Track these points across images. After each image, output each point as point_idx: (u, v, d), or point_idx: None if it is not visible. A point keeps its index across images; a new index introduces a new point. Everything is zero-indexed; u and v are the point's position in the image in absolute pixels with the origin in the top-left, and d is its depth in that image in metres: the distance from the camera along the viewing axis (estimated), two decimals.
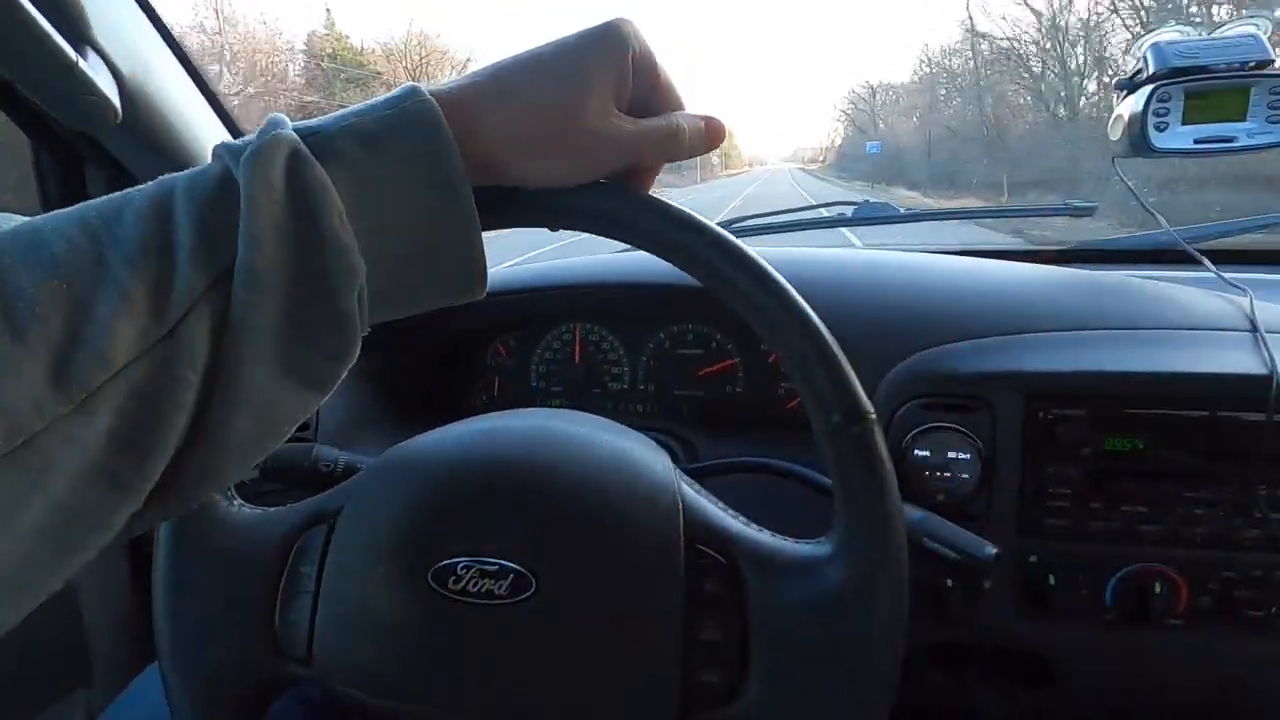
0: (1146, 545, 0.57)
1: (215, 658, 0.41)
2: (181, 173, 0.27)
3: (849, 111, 55.32)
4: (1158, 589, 0.57)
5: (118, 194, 0.26)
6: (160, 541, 0.41)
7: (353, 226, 0.27)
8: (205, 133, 0.64)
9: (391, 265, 0.29)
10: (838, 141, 65.83)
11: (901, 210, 1.08)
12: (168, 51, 0.60)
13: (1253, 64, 0.65)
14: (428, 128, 0.29)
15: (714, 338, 0.80)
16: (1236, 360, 0.54)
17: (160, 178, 0.27)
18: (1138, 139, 0.68)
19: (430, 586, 0.39)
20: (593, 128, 0.32)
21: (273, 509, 0.43)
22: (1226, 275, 0.67)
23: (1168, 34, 0.69)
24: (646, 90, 0.34)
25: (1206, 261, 0.68)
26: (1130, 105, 0.69)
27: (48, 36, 0.44)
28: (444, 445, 0.44)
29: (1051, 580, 0.58)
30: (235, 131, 0.68)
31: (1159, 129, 0.67)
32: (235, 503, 0.43)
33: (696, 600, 0.39)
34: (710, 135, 0.36)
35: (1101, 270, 0.81)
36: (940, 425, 0.57)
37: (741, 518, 0.42)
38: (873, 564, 0.36)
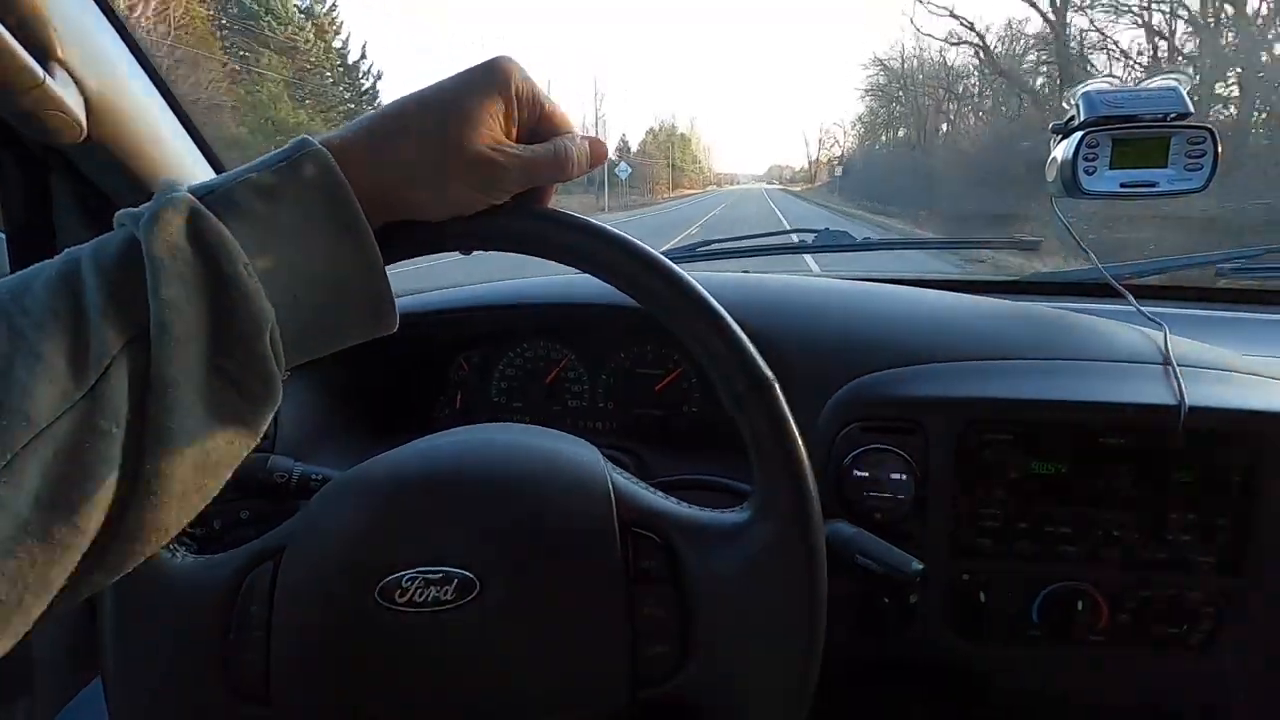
0: (1069, 564, 0.60)
1: (169, 712, 0.41)
2: (85, 244, 0.28)
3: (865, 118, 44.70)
4: (1080, 606, 0.60)
5: (23, 270, 0.28)
6: (103, 602, 0.41)
7: (259, 274, 0.29)
8: (173, 148, 0.65)
9: (301, 308, 0.30)
10: (837, 153, 62.30)
11: (859, 239, 1.12)
12: (138, 67, 0.61)
13: (1173, 115, 0.70)
14: (322, 174, 0.31)
15: (673, 357, 0.82)
16: (1150, 391, 0.58)
17: (65, 250, 0.28)
18: (1069, 181, 0.72)
19: (378, 604, 0.40)
20: (481, 156, 0.34)
21: (215, 555, 0.43)
22: (1146, 309, 0.71)
23: (1098, 84, 0.73)
24: (534, 120, 0.37)
25: (1129, 296, 0.72)
26: (1063, 149, 0.73)
27: (15, 55, 0.45)
28: (380, 470, 0.45)
29: (982, 597, 0.61)
30: (204, 146, 0.69)
31: (1088, 172, 0.71)
32: (178, 554, 0.43)
33: (636, 579, 0.40)
34: (594, 155, 0.39)
35: (1035, 301, 0.85)
36: (878, 447, 0.60)
37: (672, 499, 0.44)
38: (788, 520, 0.39)
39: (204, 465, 0.28)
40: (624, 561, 0.40)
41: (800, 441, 0.38)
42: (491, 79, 0.35)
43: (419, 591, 0.40)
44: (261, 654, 0.40)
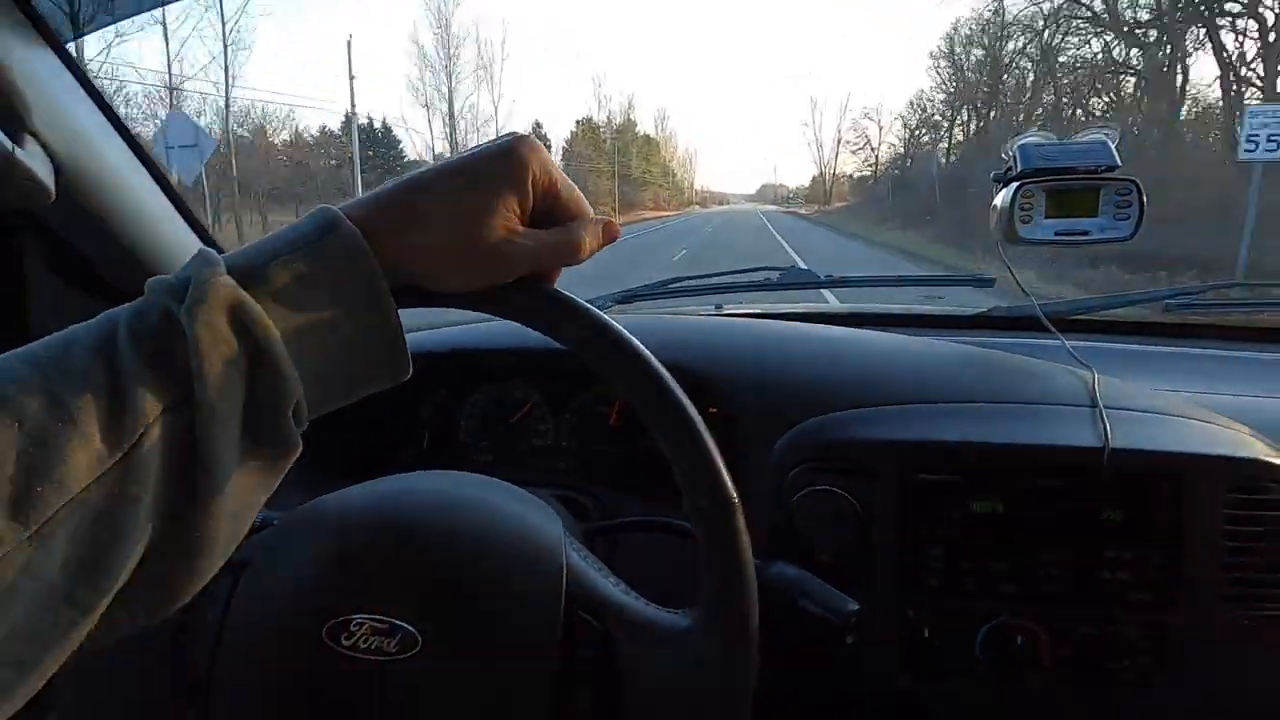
0: (1010, 601, 0.63)
1: (114, 696, 0.43)
2: (122, 309, 0.30)
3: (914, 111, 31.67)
4: (1019, 642, 0.62)
5: (62, 333, 0.29)
6: None
7: (290, 351, 0.31)
8: (147, 207, 0.67)
9: (326, 377, 0.33)
10: (866, 158, 44.72)
11: (821, 277, 1.16)
12: (109, 129, 0.64)
13: (1103, 168, 0.74)
14: (353, 258, 0.33)
15: None
16: (1077, 433, 0.61)
17: (104, 314, 0.30)
18: (1007, 228, 0.76)
19: (325, 643, 0.42)
20: (495, 244, 0.36)
21: None
22: (1075, 345, 0.75)
23: (1033, 138, 0.78)
24: (548, 202, 0.38)
25: (1059, 335, 0.76)
26: (1002, 198, 0.77)
27: None
28: (348, 506, 0.47)
29: (926, 634, 0.63)
30: (179, 205, 0.71)
31: (1024, 220, 0.75)
32: None
33: (571, 666, 0.42)
34: (607, 236, 0.40)
35: (978, 338, 0.89)
36: (825, 488, 0.63)
37: (623, 585, 0.45)
38: (727, 643, 0.40)
39: (236, 519, 0.31)
40: (562, 648, 0.42)
41: (751, 565, 0.40)
42: (510, 169, 0.36)
43: (365, 639, 0.42)
44: (207, 657, 0.42)
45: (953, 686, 0.65)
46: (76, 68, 0.61)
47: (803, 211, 58.07)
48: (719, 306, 1.19)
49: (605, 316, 0.40)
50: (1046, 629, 0.62)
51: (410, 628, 0.42)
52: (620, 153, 60.34)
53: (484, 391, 0.87)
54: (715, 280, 1.19)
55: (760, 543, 0.64)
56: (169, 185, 0.70)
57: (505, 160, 0.36)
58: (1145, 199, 0.73)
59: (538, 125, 48.39)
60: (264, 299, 0.30)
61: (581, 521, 0.69)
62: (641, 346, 0.39)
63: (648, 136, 70.70)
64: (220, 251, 0.32)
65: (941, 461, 0.62)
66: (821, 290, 1.24)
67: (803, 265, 1.23)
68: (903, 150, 34.50)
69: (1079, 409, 0.64)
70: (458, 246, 0.35)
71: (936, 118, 29.97)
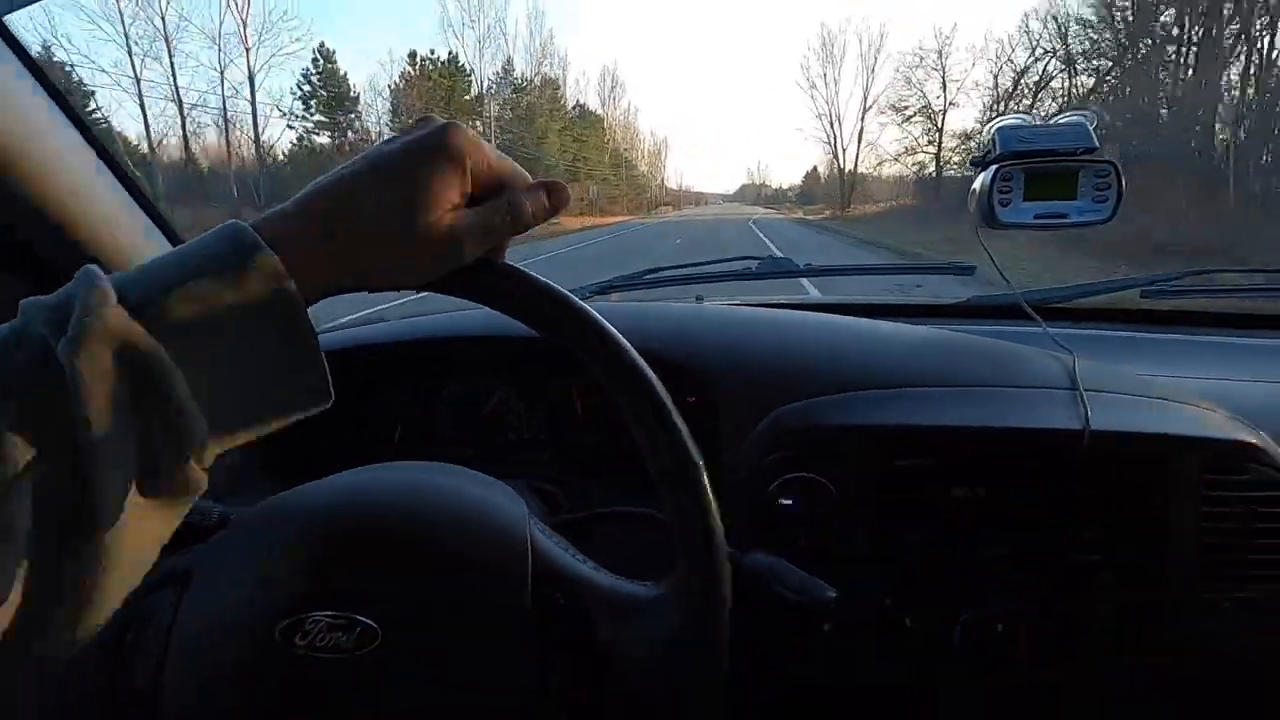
0: (989, 586, 0.62)
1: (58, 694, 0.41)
2: None
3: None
4: (1000, 628, 0.61)
5: None
6: None
7: (193, 389, 0.28)
8: (101, 198, 0.64)
9: (238, 411, 0.30)
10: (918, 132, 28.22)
11: (801, 265, 1.15)
12: (58, 113, 0.61)
13: (1081, 150, 0.73)
14: (271, 284, 0.29)
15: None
16: (1057, 416, 0.60)
17: None
18: (986, 213, 0.75)
19: (279, 642, 0.40)
20: (441, 234, 0.34)
21: None
22: (1057, 331, 0.74)
23: (1011, 120, 0.77)
24: (485, 181, 0.37)
25: (1040, 321, 0.75)
26: (980, 182, 0.76)
27: None
28: (303, 501, 0.45)
29: (908, 622, 0.62)
30: (137, 194, 0.68)
31: (1003, 204, 0.74)
32: None
33: (545, 643, 0.41)
34: (553, 200, 0.39)
35: (958, 325, 0.88)
36: (802, 475, 0.61)
37: (591, 563, 0.44)
38: (699, 611, 0.39)
39: (132, 565, 0.29)
40: (534, 627, 0.41)
41: (720, 529, 0.38)
42: (443, 150, 0.34)
43: (321, 635, 0.40)
44: (155, 660, 0.40)
45: (931, 673, 0.64)
46: (25, 55, 0.58)
47: (802, 215, 41.93)
48: (699, 299, 1.18)
49: (556, 285, 0.39)
50: (1026, 614, 0.62)
51: (370, 621, 0.40)
52: (524, 123, 39.29)
53: (457, 383, 0.85)
54: (695, 270, 1.18)
55: (738, 530, 0.63)
56: (127, 175, 0.67)
57: (438, 142, 0.35)
58: (1124, 181, 0.72)
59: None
60: (163, 331, 0.27)
61: (555, 513, 0.67)
62: (594, 312, 0.38)
63: (584, 110, 50.77)
64: (176, 240, 0.30)
65: (920, 447, 0.61)
66: (802, 282, 1.23)
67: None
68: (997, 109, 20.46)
69: (1059, 392, 0.63)
70: (400, 242, 0.33)
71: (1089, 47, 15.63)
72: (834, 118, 39.76)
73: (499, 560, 0.42)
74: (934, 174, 27.81)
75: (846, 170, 38.69)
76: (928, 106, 28.55)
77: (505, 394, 0.84)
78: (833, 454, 0.61)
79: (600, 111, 54.93)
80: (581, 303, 0.39)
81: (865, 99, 37.41)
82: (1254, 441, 0.59)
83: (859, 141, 38.25)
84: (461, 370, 0.85)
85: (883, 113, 37.60)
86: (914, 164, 29.60)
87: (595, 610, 0.41)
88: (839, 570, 0.59)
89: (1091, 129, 0.74)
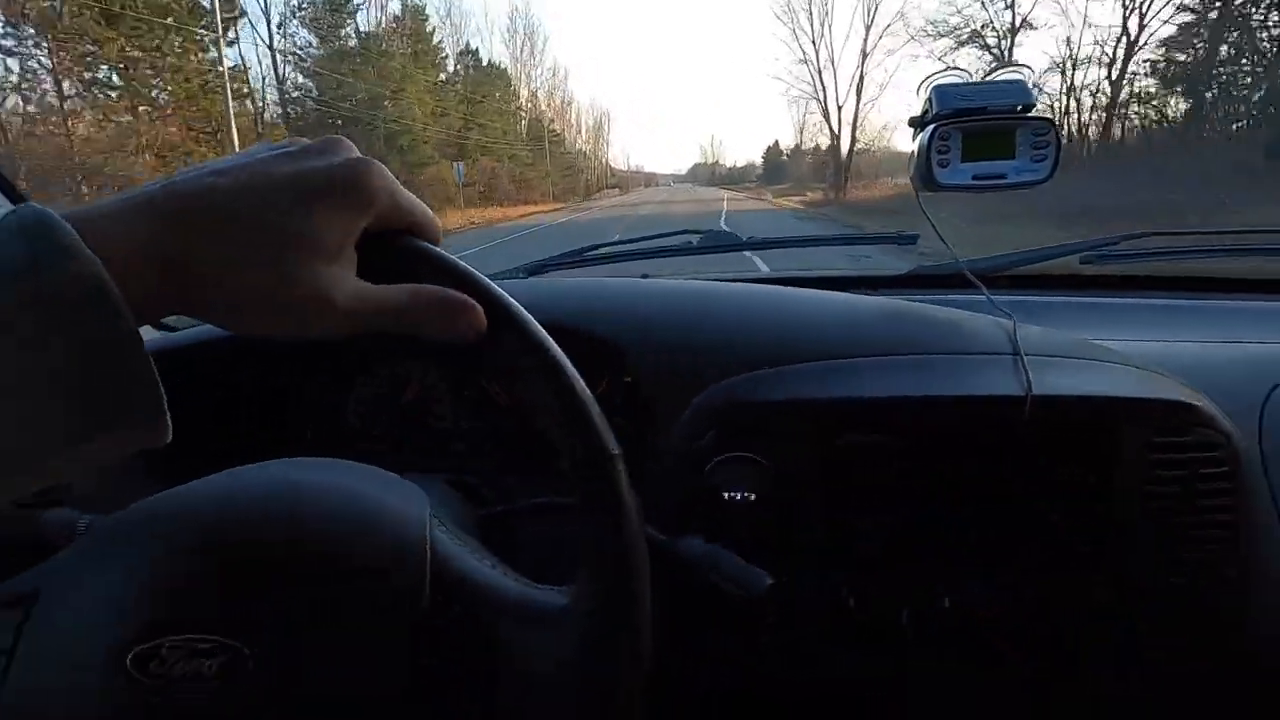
0: (940, 568, 0.59)
1: None
2: None
3: None
4: (949, 608, 0.59)
5: None
6: None
7: None
8: None
9: (35, 451, 0.24)
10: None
11: (744, 238, 1.11)
12: None
13: (1020, 107, 0.71)
14: (87, 302, 0.23)
15: None
16: (999, 382, 0.58)
17: None
18: (925, 174, 0.72)
19: (131, 674, 0.34)
20: (316, 300, 0.28)
21: None
22: (1011, 298, 0.72)
23: (949, 77, 0.74)
24: (385, 222, 0.31)
25: (981, 286, 0.73)
26: (919, 142, 0.73)
27: None
28: (161, 509, 0.39)
29: (852, 605, 0.60)
30: None
31: (942, 165, 0.71)
32: None
33: (437, 660, 0.36)
34: (453, 323, 0.32)
35: (902, 295, 0.86)
36: (740, 455, 0.58)
37: (503, 568, 0.40)
38: (610, 618, 0.35)
39: None
40: (426, 641, 0.36)
41: (637, 526, 0.34)
42: (353, 194, 0.28)
43: (180, 663, 0.35)
44: None
45: (882, 661, 0.61)
46: None
47: (773, 199, 31.00)
48: (645, 277, 1.14)
49: (454, 258, 0.34)
50: (979, 596, 0.59)
51: (237, 645, 0.35)
52: (346, 60, 26.42)
53: (373, 371, 0.79)
54: (635, 247, 1.13)
55: (675, 517, 0.59)
56: None
57: (348, 192, 0.29)
58: (1061, 140, 0.70)
59: None
60: None
61: (479, 508, 0.62)
62: (495, 286, 0.34)
63: (488, 64, 37.14)
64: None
65: (860, 420, 0.58)
66: (753, 258, 1.20)
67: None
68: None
69: (1000, 358, 0.61)
70: (263, 288, 0.27)
71: None
72: (827, 61, 28.76)
73: (389, 569, 0.37)
74: None
75: (849, 139, 26.37)
76: (988, 28, 17.83)
77: (427, 380, 0.79)
78: (769, 431, 0.58)
79: (509, 68, 41.65)
80: (483, 276, 0.34)
81: (869, 25, 25.08)
82: (1196, 403, 0.57)
83: (858, 94, 26.37)
84: (379, 355, 0.78)
85: (915, 37, 23.61)
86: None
87: (497, 622, 0.37)
88: (783, 556, 0.56)
89: (1028, 85, 0.71)
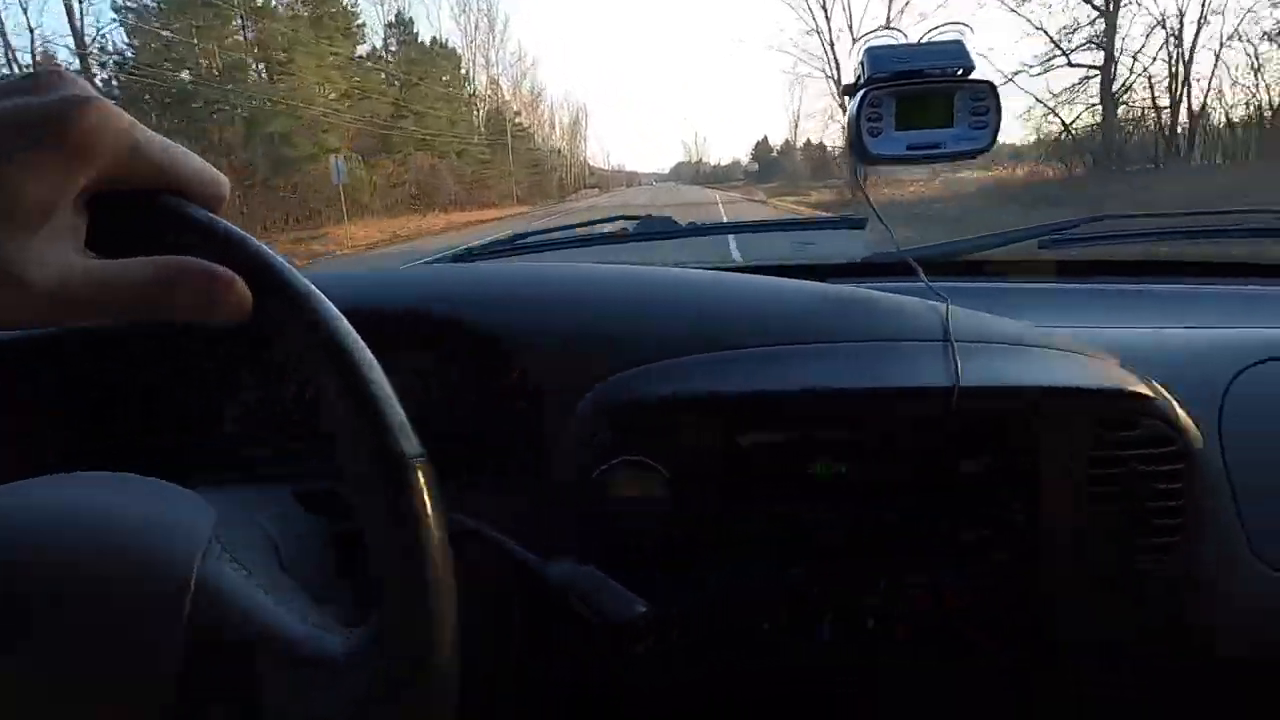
0: (862, 576, 0.53)
1: None
2: None
3: None
4: (871, 622, 0.53)
5: None
6: None
7: None
8: None
9: None
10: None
11: (683, 224, 1.04)
12: None
13: (959, 71, 0.64)
14: None
15: (449, 370, 0.70)
16: (925, 372, 0.51)
17: None
18: (857, 146, 0.65)
19: None
20: (8, 270, 0.22)
21: None
22: (947, 285, 0.66)
23: (883, 39, 0.67)
24: (133, 177, 0.24)
25: (920, 271, 0.66)
26: (851, 109, 0.67)
27: None
28: None
29: (765, 625, 0.53)
30: None
31: (873, 134, 0.65)
32: None
33: (199, 713, 0.29)
34: (210, 300, 0.25)
35: (850, 283, 0.79)
36: (635, 458, 0.50)
37: (282, 605, 0.32)
38: (406, 662, 0.28)
39: None
40: (177, 701, 0.29)
41: (438, 552, 0.27)
42: (56, 139, 0.22)
43: None
44: None
45: (799, 679, 0.55)
46: None
47: (771, 199, 23.74)
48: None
49: (235, 227, 0.27)
50: (904, 605, 0.53)
51: None
52: (266, 45, 21.05)
53: (257, 366, 0.71)
54: (566, 235, 1.06)
55: (564, 528, 0.51)
56: None
57: (54, 134, 0.22)
58: (1001, 104, 0.64)
59: None
60: None
61: (342, 521, 0.55)
62: (284, 263, 0.27)
63: (435, 48, 30.22)
64: None
65: (767, 416, 0.51)
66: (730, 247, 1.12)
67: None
68: None
69: (929, 344, 0.54)
70: None
71: None
72: (843, 30, 22.69)
73: (140, 612, 0.30)
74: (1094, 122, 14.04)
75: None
76: None
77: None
78: (668, 429, 0.51)
79: (462, 49, 34.44)
80: (254, 240, 0.27)
81: None
82: (1145, 392, 0.51)
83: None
84: (261, 342, 0.70)
85: None
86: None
87: (269, 672, 0.29)
88: (683, 570, 0.49)
89: (967, 46, 0.65)
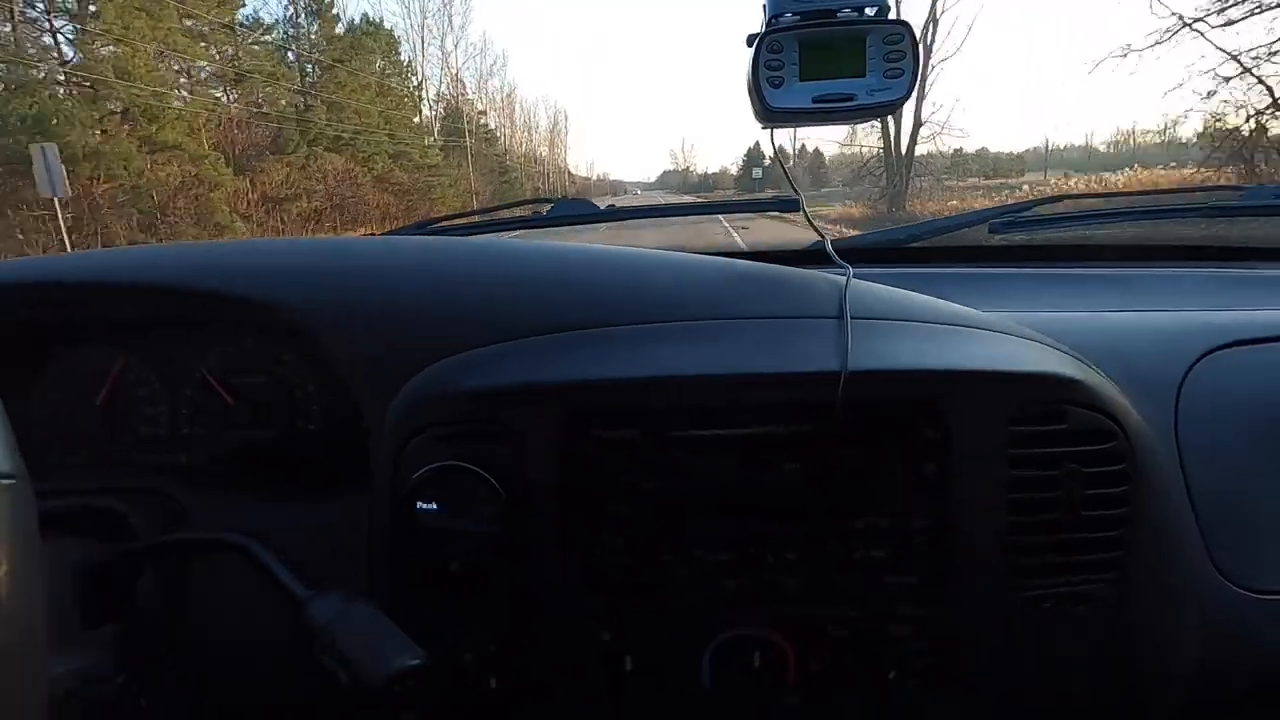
0: (739, 602, 0.43)
1: None
2: None
3: None
4: (757, 659, 0.43)
5: None
6: None
7: None
8: None
9: None
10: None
11: (602, 207, 0.95)
12: None
13: (873, 11, 0.56)
14: None
15: (280, 357, 0.60)
16: (811, 354, 0.42)
17: None
18: (755, 98, 0.56)
19: None
20: None
21: None
22: (900, 272, 0.57)
23: None
24: None
25: (833, 253, 0.57)
26: (751, 59, 0.58)
27: None
28: None
29: (629, 664, 0.43)
30: None
31: (774, 84, 0.56)
32: None
33: None
34: None
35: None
36: (455, 465, 0.41)
37: None
38: None
39: None
40: None
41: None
42: None
43: None
44: None
45: None
46: None
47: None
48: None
49: None
50: (791, 636, 0.44)
51: None
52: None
53: (64, 362, 0.61)
54: (480, 219, 0.97)
55: (377, 552, 0.42)
56: None
57: None
58: (919, 50, 0.55)
59: None
60: None
61: (118, 542, 0.45)
62: None
63: (366, 26, 24.59)
64: None
65: (619, 409, 0.42)
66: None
67: None
68: None
69: (822, 322, 0.45)
70: None
71: None
72: None
73: None
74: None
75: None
76: None
77: (132, 373, 0.60)
78: (497, 429, 0.41)
79: (404, 33, 28.90)
80: None
81: None
82: (1074, 376, 0.42)
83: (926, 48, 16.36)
84: (64, 339, 0.60)
85: None
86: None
87: None
88: (515, 598, 0.40)
89: None
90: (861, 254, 0.89)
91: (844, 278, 0.48)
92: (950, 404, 0.41)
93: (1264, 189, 0.82)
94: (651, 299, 0.47)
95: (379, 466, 0.43)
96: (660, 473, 0.42)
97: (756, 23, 0.58)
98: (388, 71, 25.82)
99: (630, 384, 0.41)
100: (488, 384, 0.41)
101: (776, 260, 0.88)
